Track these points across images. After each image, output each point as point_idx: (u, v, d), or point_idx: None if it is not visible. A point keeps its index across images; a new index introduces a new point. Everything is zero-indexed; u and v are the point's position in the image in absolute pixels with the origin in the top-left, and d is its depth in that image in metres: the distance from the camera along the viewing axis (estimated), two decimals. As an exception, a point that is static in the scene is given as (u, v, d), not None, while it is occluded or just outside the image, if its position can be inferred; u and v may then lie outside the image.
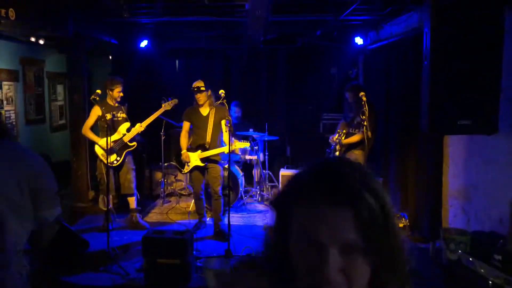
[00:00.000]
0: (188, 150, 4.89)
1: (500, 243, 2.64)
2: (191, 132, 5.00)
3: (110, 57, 7.26)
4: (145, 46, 6.69)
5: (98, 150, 4.91)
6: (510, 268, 2.43)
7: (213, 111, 4.83)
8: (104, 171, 4.83)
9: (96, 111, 4.82)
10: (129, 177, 5.09)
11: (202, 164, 4.84)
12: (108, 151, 4.40)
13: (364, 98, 4.11)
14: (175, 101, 5.19)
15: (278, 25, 5.64)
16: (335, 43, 6.80)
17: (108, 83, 4.95)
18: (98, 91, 4.38)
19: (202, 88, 4.73)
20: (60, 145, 7.69)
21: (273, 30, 6.02)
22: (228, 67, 7.33)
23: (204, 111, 4.85)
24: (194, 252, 4.24)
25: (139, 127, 4.99)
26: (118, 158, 4.96)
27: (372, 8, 4.96)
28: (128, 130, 5.02)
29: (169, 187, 6.63)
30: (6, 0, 3.67)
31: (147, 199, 6.47)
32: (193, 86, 4.78)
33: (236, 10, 4.97)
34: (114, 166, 4.95)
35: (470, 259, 2.51)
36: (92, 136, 4.90)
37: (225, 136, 4.87)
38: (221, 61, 7.32)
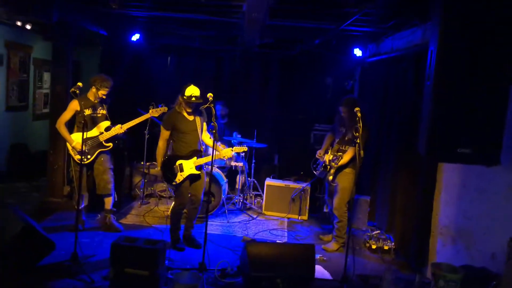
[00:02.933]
0: (181, 158, 4.48)
1: (493, 285, 2.44)
2: (171, 141, 4.61)
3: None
4: (137, 40, 6.43)
5: (69, 145, 4.64)
6: (503, 316, 2.23)
7: (199, 116, 4.57)
8: (74, 168, 4.58)
9: (74, 106, 4.53)
10: (106, 177, 4.81)
11: (198, 172, 4.51)
12: (82, 150, 4.11)
13: (359, 114, 3.89)
14: (164, 109, 4.90)
15: (275, 29, 5.41)
16: (333, 53, 6.61)
17: (97, 81, 4.64)
18: (80, 84, 4.09)
19: (200, 101, 4.36)
20: (42, 135, 7.37)
21: (269, 34, 5.80)
22: (219, 69, 7.11)
23: (190, 116, 4.49)
24: (166, 262, 4.00)
25: (119, 129, 4.73)
26: (89, 156, 4.68)
27: (375, 20, 4.76)
28: (107, 129, 4.75)
29: (149, 188, 6.36)
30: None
31: (126, 199, 6.19)
32: (188, 94, 4.33)
33: (233, 11, 4.73)
34: (86, 164, 4.66)
35: (461, 301, 2.31)
36: (64, 132, 4.61)
37: (208, 139, 4.64)
38: (213, 62, 7.10)
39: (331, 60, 6.83)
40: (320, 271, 4.24)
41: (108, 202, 4.90)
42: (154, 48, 6.91)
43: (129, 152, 6.33)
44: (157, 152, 4.56)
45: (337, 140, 4.89)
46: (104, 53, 6.89)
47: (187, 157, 4.49)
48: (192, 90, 4.36)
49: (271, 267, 3.60)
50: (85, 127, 3.91)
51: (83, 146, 4.08)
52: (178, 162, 4.46)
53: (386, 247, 4.89)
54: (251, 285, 3.57)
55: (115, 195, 5.01)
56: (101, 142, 4.74)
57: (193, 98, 4.34)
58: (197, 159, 4.48)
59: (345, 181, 4.75)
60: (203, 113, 4.58)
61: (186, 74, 7.09)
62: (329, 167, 4.78)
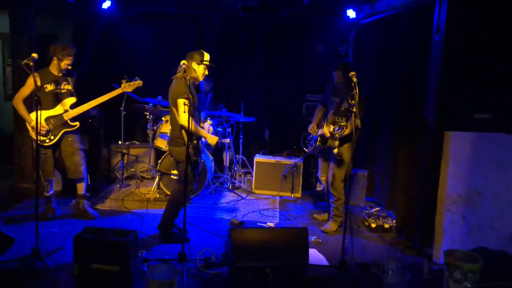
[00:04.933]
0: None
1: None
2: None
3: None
4: (108, 8, 5.82)
5: (28, 125, 4.14)
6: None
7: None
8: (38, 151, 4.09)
9: (31, 81, 3.95)
10: (76, 159, 4.32)
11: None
12: (37, 131, 3.57)
13: (354, 79, 3.40)
14: (138, 83, 4.40)
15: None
16: (324, 16, 6.05)
17: (58, 51, 4.09)
18: (34, 55, 3.54)
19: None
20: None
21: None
22: (201, 38, 6.49)
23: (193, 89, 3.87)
24: (143, 254, 3.58)
25: (87, 106, 4.22)
26: (52, 137, 4.18)
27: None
28: (73, 106, 4.24)
29: (129, 169, 5.90)
30: None
31: (104, 183, 5.73)
32: (207, 58, 3.84)
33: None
34: (50, 146, 4.17)
35: (484, 298, 1.90)
36: (22, 110, 4.09)
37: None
38: (193, 31, 6.48)
39: (323, 24, 6.27)
40: (315, 256, 3.83)
41: (81, 187, 4.44)
42: (128, 17, 6.28)
43: (106, 131, 5.85)
44: (193, 129, 3.65)
45: (331, 112, 4.38)
46: (76, 25, 6.28)
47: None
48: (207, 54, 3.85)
49: (259, 255, 3.17)
50: (38, 104, 3.38)
51: (44, 126, 3.58)
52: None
53: (386, 226, 4.49)
54: (237, 276, 3.16)
55: (88, 179, 4.54)
56: (66, 121, 4.23)
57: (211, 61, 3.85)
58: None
59: (341, 156, 4.31)
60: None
61: (164, 45, 6.52)
62: (331, 140, 4.30)
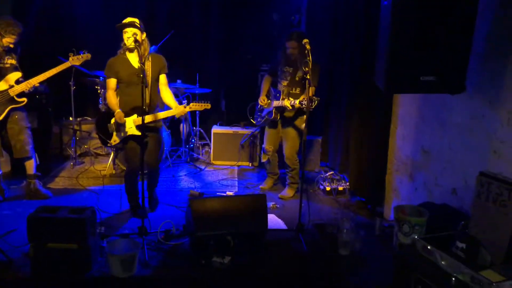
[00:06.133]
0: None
1: (461, 225, 2.20)
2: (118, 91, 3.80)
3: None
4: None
5: None
6: (474, 260, 1.99)
7: (149, 61, 3.69)
8: None
9: None
10: (22, 137, 4.13)
11: (138, 133, 3.67)
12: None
13: (308, 47, 3.42)
14: (87, 56, 4.19)
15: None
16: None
17: (1, 25, 3.84)
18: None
19: (137, 24, 3.53)
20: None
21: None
22: (153, 8, 6.26)
23: (136, 61, 3.65)
24: (103, 229, 3.53)
25: (34, 81, 4.00)
26: (-3, 114, 3.97)
27: None
28: (18, 82, 4.01)
29: (82, 146, 5.71)
30: None
31: (56, 161, 5.53)
32: (122, 23, 3.54)
33: None
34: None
35: (429, 247, 2.05)
36: None
37: (168, 95, 3.78)
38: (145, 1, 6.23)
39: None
40: (274, 220, 3.95)
41: (30, 166, 4.27)
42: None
43: (55, 107, 5.60)
44: (109, 103, 3.75)
45: (283, 82, 4.37)
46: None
47: (128, 114, 3.73)
48: (126, 19, 3.58)
49: (219, 224, 3.23)
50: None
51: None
52: (120, 113, 3.67)
53: (340, 188, 4.68)
54: (199, 246, 3.21)
55: (37, 158, 4.36)
56: (12, 97, 4.01)
57: (125, 24, 3.54)
58: (137, 117, 3.69)
59: (297, 128, 4.37)
60: (158, 60, 3.78)
61: (113, 15, 6.20)
62: (288, 112, 4.28)
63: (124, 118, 3.69)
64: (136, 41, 3.45)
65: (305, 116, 3.61)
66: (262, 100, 4.44)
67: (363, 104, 4.23)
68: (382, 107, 3.87)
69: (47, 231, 2.92)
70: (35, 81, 4.03)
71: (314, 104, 3.64)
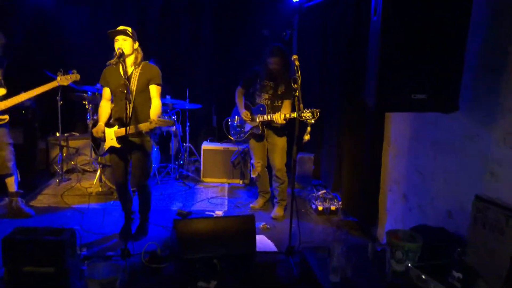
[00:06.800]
0: (106, 124, 3.61)
1: (458, 252, 2.09)
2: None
3: None
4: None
5: None
6: (471, 289, 1.88)
7: (138, 71, 3.53)
8: None
9: None
10: (4, 154, 4.00)
11: (117, 146, 3.54)
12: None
13: (297, 63, 3.35)
14: (76, 76, 4.05)
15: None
16: (270, -1, 5.98)
17: None
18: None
19: (129, 32, 3.42)
20: None
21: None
22: (143, 22, 6.21)
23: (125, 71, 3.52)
24: (84, 251, 3.38)
25: (19, 99, 3.89)
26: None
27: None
28: (2, 98, 3.90)
29: (69, 162, 5.57)
30: None
31: (42, 178, 5.39)
32: (114, 30, 3.41)
33: None
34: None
35: (423, 276, 1.93)
36: None
37: (152, 107, 3.57)
38: (134, 14, 6.17)
39: (269, 8, 6.20)
40: (264, 242, 3.81)
41: (11, 183, 4.13)
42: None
43: (42, 123, 5.49)
44: (99, 112, 3.71)
45: (264, 95, 4.29)
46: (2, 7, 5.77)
47: (111, 125, 3.59)
48: (118, 28, 3.48)
49: (205, 246, 3.09)
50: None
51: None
52: (100, 127, 3.60)
53: (333, 208, 4.56)
54: (184, 269, 3.06)
55: (18, 175, 4.22)
56: (-5, 114, 3.90)
57: (115, 32, 3.42)
58: (118, 128, 3.55)
59: (284, 139, 4.34)
60: (149, 69, 3.65)
61: (102, 28, 6.15)
62: (275, 125, 4.21)
63: (102, 133, 3.59)
64: (120, 55, 3.35)
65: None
66: (246, 115, 4.33)
67: (354, 121, 4.14)
68: (374, 125, 3.79)
69: (23, 254, 2.77)
70: (20, 99, 3.91)
71: (316, 116, 3.56)
